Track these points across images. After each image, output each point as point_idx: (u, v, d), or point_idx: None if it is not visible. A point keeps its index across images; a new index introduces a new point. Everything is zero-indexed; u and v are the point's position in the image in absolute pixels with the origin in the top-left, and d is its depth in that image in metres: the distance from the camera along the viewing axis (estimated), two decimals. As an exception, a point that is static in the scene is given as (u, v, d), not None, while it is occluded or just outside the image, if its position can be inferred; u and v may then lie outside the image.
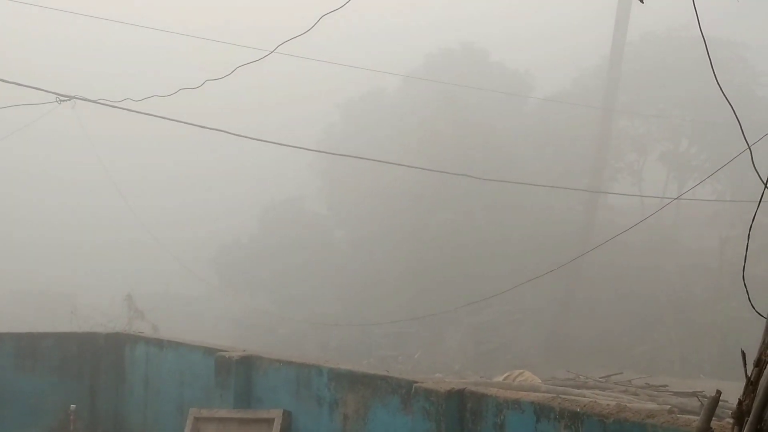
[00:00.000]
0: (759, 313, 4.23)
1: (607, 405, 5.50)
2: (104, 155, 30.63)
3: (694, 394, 15.16)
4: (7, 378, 10.60)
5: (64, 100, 16.02)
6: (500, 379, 13.95)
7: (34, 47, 57.49)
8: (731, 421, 4.01)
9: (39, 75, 20.53)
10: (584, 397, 10.02)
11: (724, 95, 5.38)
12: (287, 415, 8.12)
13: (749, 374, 3.91)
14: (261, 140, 17.07)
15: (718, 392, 4.43)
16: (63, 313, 30.25)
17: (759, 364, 3.88)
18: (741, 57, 33.98)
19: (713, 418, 4.34)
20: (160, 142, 49.53)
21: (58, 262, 46.89)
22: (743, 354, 4.08)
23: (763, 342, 3.92)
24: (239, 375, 8.78)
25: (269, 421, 8.22)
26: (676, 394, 16.00)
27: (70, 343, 11.17)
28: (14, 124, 25.02)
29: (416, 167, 23.53)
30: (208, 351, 9.54)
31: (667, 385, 18.02)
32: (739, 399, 3.91)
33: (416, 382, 6.76)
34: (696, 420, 4.47)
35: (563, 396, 7.03)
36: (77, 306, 31.63)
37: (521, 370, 14.55)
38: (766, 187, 4.48)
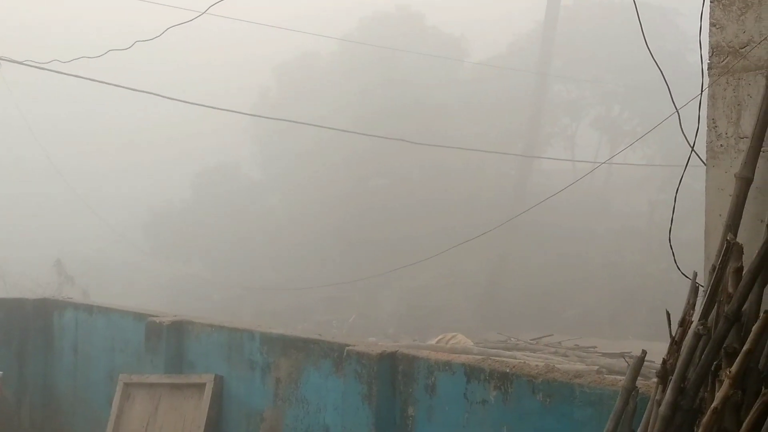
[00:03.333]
0: (685, 275, 4.31)
1: (536, 366, 5.57)
2: (25, 107, 29.62)
3: (621, 354, 15.53)
4: (-71, 345, 10.39)
5: None
6: (433, 342, 14.10)
7: None
8: (656, 380, 4.09)
9: None
10: (515, 358, 10.17)
11: (654, 59, 5.43)
12: (219, 380, 8.09)
13: (674, 334, 3.98)
14: (194, 104, 16.92)
15: (644, 352, 4.52)
16: (-10, 279, 29.62)
17: (683, 324, 3.95)
18: (672, 23, 34.40)
19: (639, 378, 4.43)
20: (87, 103, 48.21)
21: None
22: (668, 314, 4.16)
23: (688, 302, 3.99)
24: (170, 340, 8.70)
25: (200, 386, 8.18)
26: (605, 355, 16.38)
27: (-3, 309, 10.98)
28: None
29: (351, 132, 23.53)
30: (139, 316, 9.45)
31: (596, 347, 18.43)
32: (663, 358, 3.98)
33: (348, 346, 6.78)
34: (622, 379, 4.55)
35: (494, 358, 7.11)
36: (5, 273, 30.98)
37: (454, 333, 14.73)
38: (693, 151, 4.55)
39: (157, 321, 8.90)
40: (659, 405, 3.88)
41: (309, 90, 35.79)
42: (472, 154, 27.32)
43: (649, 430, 3.95)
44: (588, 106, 37.34)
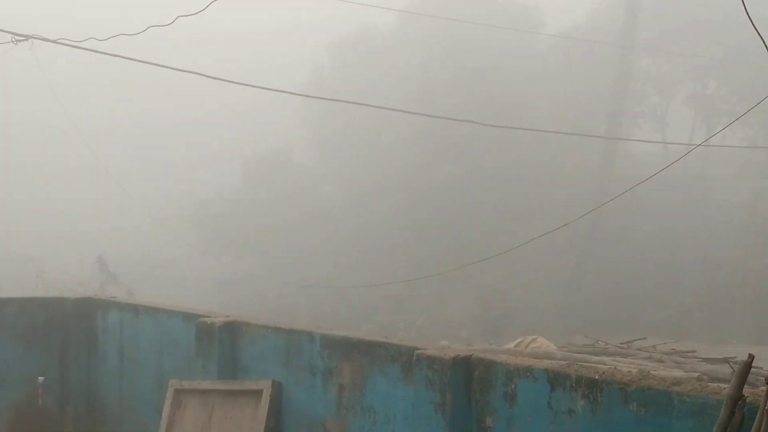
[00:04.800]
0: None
1: (629, 372, 5.50)
2: (66, 101, 30.37)
3: (725, 360, 15.19)
4: (-33, 348, 10.67)
5: (20, 40, 16.06)
6: (511, 345, 13.97)
7: None
8: (765, 387, 4.01)
9: None
10: (604, 364, 10.06)
11: (755, 27, 5.32)
12: (277, 386, 8.15)
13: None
14: (241, 83, 16.93)
15: (751, 356, 4.44)
16: (29, 277, 30.35)
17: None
18: None
19: (745, 385, 4.35)
20: (127, 87, 49.08)
21: (20, 222, 46.66)
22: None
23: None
24: (223, 343, 8.78)
25: (257, 393, 8.26)
26: (706, 360, 16.05)
27: (37, 310, 11.19)
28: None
29: (415, 113, 23.38)
30: (189, 317, 9.55)
31: (695, 351, 18.08)
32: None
33: (418, 349, 6.77)
34: (726, 387, 4.48)
35: (580, 363, 7.04)
36: (45, 270, 31.72)
37: (534, 336, 14.58)
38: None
39: (209, 322, 8.99)
40: (770, 415, 3.81)
41: (367, 68, 35.76)
42: (549, 137, 26.95)
43: (759, 443, 3.88)
44: (680, 83, 36.50)
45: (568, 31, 35.21)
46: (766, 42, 5.11)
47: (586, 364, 7.46)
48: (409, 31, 35.61)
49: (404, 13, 35.62)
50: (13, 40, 15.86)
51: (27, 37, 15.93)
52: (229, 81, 16.66)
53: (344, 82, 34.34)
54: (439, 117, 23.44)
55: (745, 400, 4.25)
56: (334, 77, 36.28)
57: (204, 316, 9.28)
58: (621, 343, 18.94)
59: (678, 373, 10.99)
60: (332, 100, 25.51)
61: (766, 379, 4.04)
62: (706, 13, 32.77)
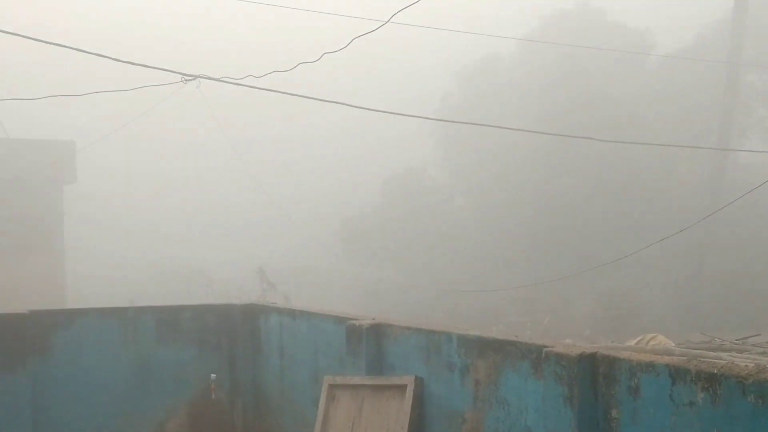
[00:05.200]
0: None
1: (746, 366, 5.36)
2: (230, 134, 31.37)
3: (837, 355, 14.55)
4: (150, 349, 11.00)
5: (189, 80, 16.42)
6: (632, 343, 13.64)
7: (157, 29, 59.02)
8: None
9: (164, 57, 21.01)
10: (721, 359, 9.78)
11: None
12: (419, 381, 8.21)
13: None
14: (380, 111, 17.17)
15: None
16: (199, 288, 31.39)
17: None
18: None
19: None
20: (282, 118, 50.24)
21: (191, 242, 48.36)
22: None
23: None
24: (370, 343, 8.88)
25: (402, 388, 8.33)
26: (819, 356, 15.40)
27: (208, 315, 11.48)
28: (144, 105, 25.87)
29: (536, 132, 23.26)
30: (339, 320, 9.67)
31: (810, 347, 17.36)
32: None
33: (546, 347, 6.74)
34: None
35: (699, 358, 6.87)
36: (212, 281, 32.72)
37: (654, 334, 14.20)
38: None
39: (357, 324, 9.11)
40: None
41: (491, 92, 35.72)
42: (662, 150, 26.38)
43: None
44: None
45: (678, 51, 34.52)
46: None
47: (704, 359, 7.28)
48: (530, 58, 35.41)
49: (524, 41, 35.54)
50: (183, 79, 16.25)
51: (194, 77, 16.27)
52: (371, 109, 16.88)
53: (472, 106, 34.37)
54: (559, 135, 23.24)
55: None
56: (463, 103, 36.36)
57: (353, 319, 9.40)
58: (736, 340, 18.30)
59: (794, 368, 10.56)
60: (462, 123, 25.58)
61: None
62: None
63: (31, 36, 13.31)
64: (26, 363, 10.17)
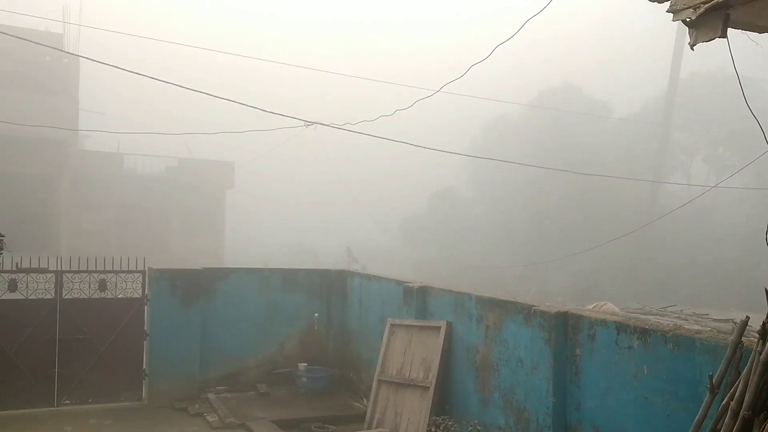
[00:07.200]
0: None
1: (667, 324, 5.31)
2: (339, 167, 31.46)
3: (728, 320, 14.20)
4: (277, 295, 11.14)
5: (308, 125, 15.65)
6: (590, 307, 13.48)
7: (282, 82, 57.90)
8: (757, 336, 3.83)
9: (286, 104, 19.72)
10: (649, 319, 9.60)
11: (752, 112, 5.12)
12: (449, 325, 8.23)
13: (771, 305, 3.72)
14: (432, 149, 16.96)
15: (747, 317, 4.25)
16: (309, 260, 31.67)
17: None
18: (761, 89, 30.61)
19: (743, 336, 4.15)
20: (376, 151, 49.37)
21: (306, 231, 48.13)
22: (766, 291, 3.91)
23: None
24: (418, 298, 8.92)
25: (437, 328, 8.37)
26: (715, 320, 15.01)
27: (314, 275, 11.57)
28: (279, 140, 25.91)
29: (532, 165, 23.05)
30: (399, 282, 9.72)
31: (708, 314, 16.93)
32: (763, 321, 3.72)
33: (534, 306, 6.73)
34: (731, 335, 4.27)
35: (635, 318, 6.80)
36: (317, 255, 32.96)
37: (605, 302, 14.00)
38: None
39: (410, 285, 9.15)
40: (760, 354, 3.63)
41: (503, 139, 35.70)
42: (615, 181, 25.98)
43: (752, 372, 3.70)
44: (699, 148, 34.45)
45: (629, 116, 34.24)
46: (758, 120, 4.87)
47: (639, 319, 7.17)
48: (530, 117, 35.27)
49: (526, 106, 35.45)
50: (305, 125, 15.49)
51: (312, 123, 15.47)
52: (429, 148, 16.25)
53: (491, 147, 34.15)
54: (547, 168, 22.99)
55: (743, 344, 4.05)
56: (485, 145, 36.11)
57: (407, 282, 9.43)
58: (660, 308, 17.90)
59: (697, 327, 10.31)
60: (483, 158, 25.53)
61: (757, 331, 3.84)
62: (717, 105, 30.83)
63: (211, 93, 13.18)
64: (199, 301, 10.43)
